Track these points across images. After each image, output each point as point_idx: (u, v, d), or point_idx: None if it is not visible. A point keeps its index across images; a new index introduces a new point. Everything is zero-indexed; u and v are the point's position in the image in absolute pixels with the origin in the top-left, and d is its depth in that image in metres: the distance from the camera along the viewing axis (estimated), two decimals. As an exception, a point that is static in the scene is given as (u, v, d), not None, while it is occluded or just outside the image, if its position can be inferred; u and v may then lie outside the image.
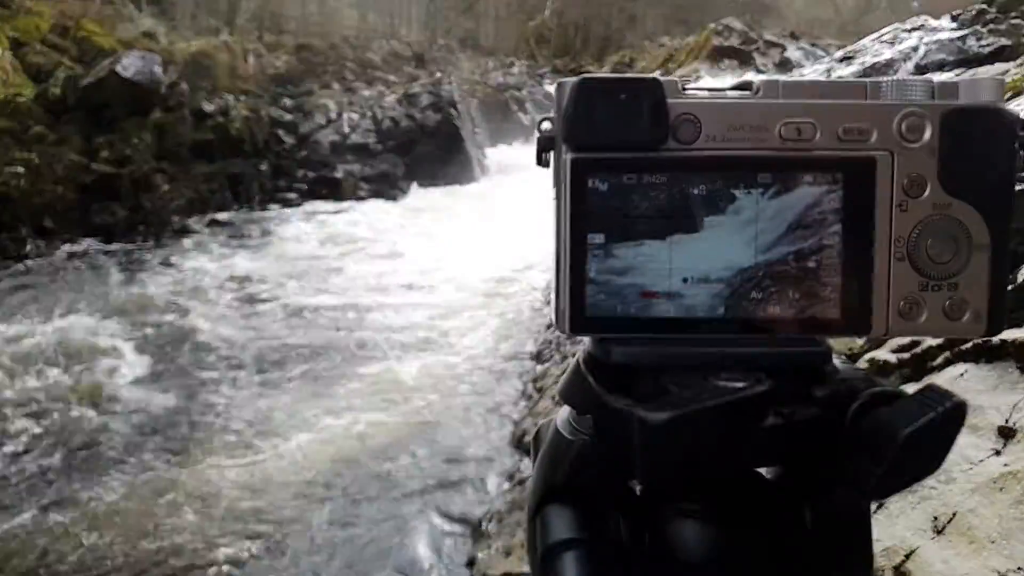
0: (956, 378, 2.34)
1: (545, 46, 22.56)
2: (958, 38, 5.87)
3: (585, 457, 0.48)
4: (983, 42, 5.58)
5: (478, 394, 4.57)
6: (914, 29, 6.83)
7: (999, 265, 0.45)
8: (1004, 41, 5.34)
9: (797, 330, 0.46)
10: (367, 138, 11.63)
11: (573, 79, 0.45)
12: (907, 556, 1.83)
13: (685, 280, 0.46)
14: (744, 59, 12.15)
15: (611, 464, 0.46)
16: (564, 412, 0.51)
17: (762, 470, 0.50)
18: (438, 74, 13.56)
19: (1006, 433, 2.05)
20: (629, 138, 0.44)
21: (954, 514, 1.86)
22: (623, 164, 0.45)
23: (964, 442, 2.09)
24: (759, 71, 11.37)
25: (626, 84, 0.44)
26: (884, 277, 0.45)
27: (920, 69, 5.87)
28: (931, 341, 2.57)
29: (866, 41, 7.64)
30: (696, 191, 0.45)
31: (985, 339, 2.40)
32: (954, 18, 6.39)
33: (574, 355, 0.52)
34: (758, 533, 0.47)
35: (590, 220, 0.45)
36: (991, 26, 5.67)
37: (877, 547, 1.89)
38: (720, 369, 0.44)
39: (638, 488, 0.50)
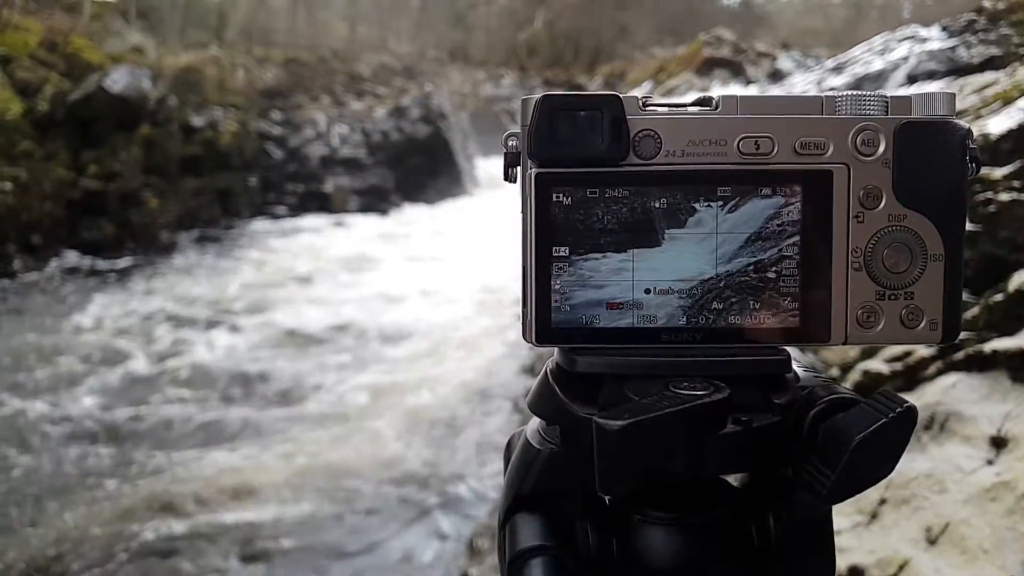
0: (948, 388, 2.33)
1: (536, 57, 22.61)
2: (948, 48, 5.86)
3: (553, 466, 0.49)
4: (973, 52, 5.57)
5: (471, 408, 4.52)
6: (904, 39, 6.82)
7: (953, 274, 0.46)
8: (994, 51, 5.33)
9: (757, 339, 0.47)
10: (357, 151, 11.59)
11: (536, 96, 0.46)
12: (900, 567, 1.81)
13: (648, 291, 0.47)
14: (735, 69, 12.16)
15: (578, 473, 0.46)
16: (534, 422, 0.52)
17: (727, 477, 0.51)
18: (428, 86, 13.54)
19: (998, 443, 2.04)
20: (591, 154, 0.45)
21: (947, 524, 1.85)
22: (586, 179, 0.46)
23: (956, 452, 2.07)
24: (750, 81, 11.38)
25: (587, 101, 0.45)
26: (842, 287, 0.46)
27: (910, 79, 5.86)
28: (923, 351, 2.55)
29: (856, 51, 7.63)
30: (657, 204, 0.46)
31: (977, 349, 2.40)
32: (944, 28, 6.38)
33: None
34: (723, 540, 0.48)
35: (554, 233, 0.46)
36: (980, 35, 5.66)
37: (871, 558, 1.86)
38: (681, 378, 0.44)
39: (606, 496, 0.50)
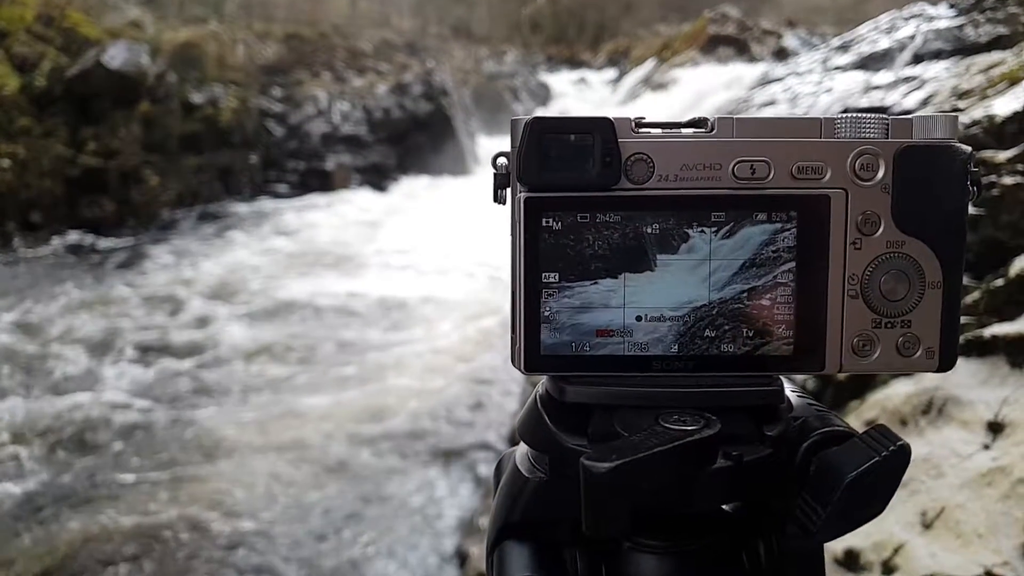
0: (947, 372, 2.32)
1: (539, 34, 22.41)
2: (955, 27, 5.79)
3: (542, 495, 0.49)
4: (980, 30, 5.50)
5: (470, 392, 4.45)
6: (912, 17, 6.75)
7: (951, 302, 0.46)
8: (1002, 30, 5.27)
9: (751, 368, 0.46)
10: (358, 129, 11.52)
11: (526, 118, 0.45)
12: (895, 551, 1.82)
13: (639, 318, 0.46)
14: (740, 47, 12.06)
15: (567, 502, 0.45)
16: (523, 447, 0.52)
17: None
18: (430, 63, 13.43)
19: (995, 428, 2.04)
20: (581, 178, 0.45)
21: (942, 508, 1.86)
22: (576, 203, 0.45)
23: (954, 436, 2.08)
24: (755, 59, 11.29)
25: (578, 124, 0.45)
26: (837, 314, 0.46)
27: (916, 58, 5.80)
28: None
29: (863, 29, 7.56)
30: (649, 230, 0.45)
31: (976, 334, 2.39)
32: (952, 5, 6.31)
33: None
34: (714, 568, 0.48)
35: (544, 259, 0.46)
36: (988, 14, 5.59)
37: (867, 542, 1.86)
38: (672, 410, 0.44)
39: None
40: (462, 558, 2.97)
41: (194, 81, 10.45)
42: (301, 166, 10.74)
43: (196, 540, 3.00)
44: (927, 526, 1.86)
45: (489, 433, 3.88)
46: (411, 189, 10.81)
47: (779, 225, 0.45)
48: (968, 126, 3.55)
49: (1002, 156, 3.09)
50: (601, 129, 0.44)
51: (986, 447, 2.00)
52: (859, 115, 0.45)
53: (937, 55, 5.57)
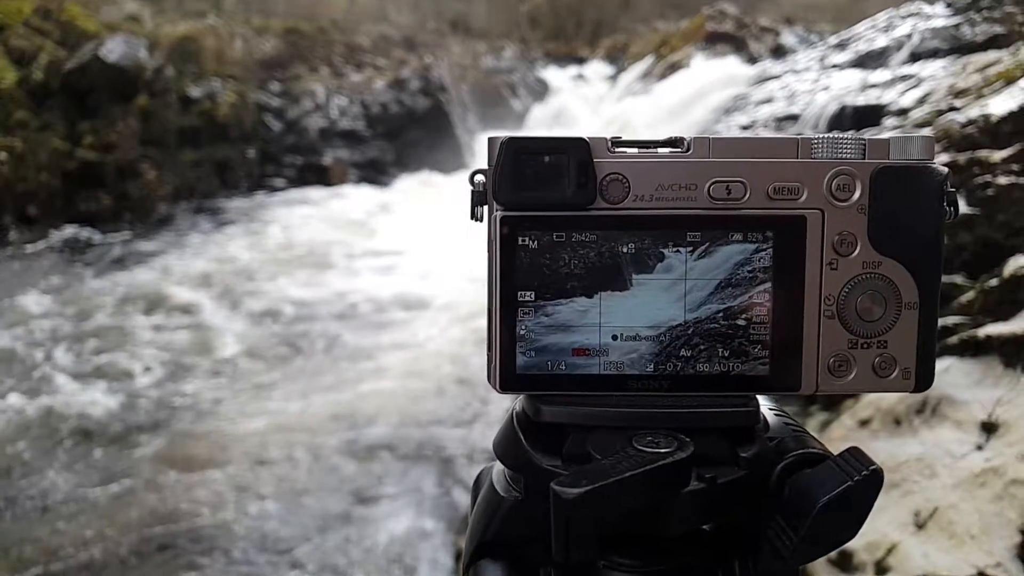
0: (941, 372, 2.33)
1: (538, 29, 22.36)
2: (952, 26, 5.81)
3: (517, 514, 0.49)
4: (977, 30, 5.52)
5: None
6: (909, 15, 6.77)
7: (927, 322, 0.46)
8: (998, 29, 5.29)
9: (726, 388, 0.46)
10: (356, 124, 11.51)
11: (502, 137, 0.45)
12: (889, 550, 1.83)
13: (615, 337, 0.46)
14: (738, 44, 12.04)
15: (542, 522, 0.44)
16: (500, 465, 0.52)
17: None
18: (428, 58, 13.41)
19: (988, 428, 2.05)
20: (557, 198, 0.45)
21: (935, 509, 1.87)
22: (552, 223, 0.45)
23: (947, 436, 2.08)
24: (753, 57, 11.28)
25: (553, 144, 0.45)
26: (814, 335, 0.46)
27: (914, 56, 5.81)
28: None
29: (860, 27, 7.59)
30: (625, 249, 0.45)
31: (971, 334, 2.40)
32: (949, 4, 6.32)
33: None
34: None
35: (520, 277, 0.46)
36: (985, 13, 5.60)
37: (860, 541, 1.87)
38: (646, 431, 0.43)
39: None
40: (457, 555, 2.97)
41: (192, 75, 10.43)
42: (298, 161, 10.73)
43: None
44: (920, 526, 1.87)
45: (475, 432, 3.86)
46: (408, 185, 10.78)
47: (755, 245, 0.45)
48: (964, 125, 3.56)
49: (997, 156, 3.10)
50: (576, 149, 0.44)
51: (979, 447, 2.01)
52: (836, 136, 0.45)
53: (934, 54, 5.59)
